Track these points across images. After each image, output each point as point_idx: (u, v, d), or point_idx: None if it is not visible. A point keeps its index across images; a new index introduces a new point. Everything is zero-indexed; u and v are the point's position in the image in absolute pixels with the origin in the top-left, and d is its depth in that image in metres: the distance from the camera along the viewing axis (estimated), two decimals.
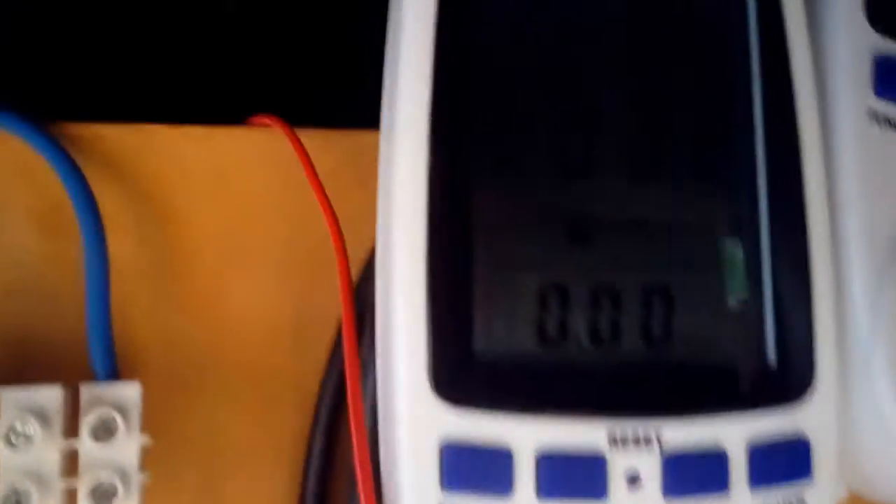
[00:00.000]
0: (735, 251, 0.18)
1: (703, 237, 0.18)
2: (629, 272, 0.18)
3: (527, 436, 0.16)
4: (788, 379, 0.18)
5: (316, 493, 0.24)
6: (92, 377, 0.23)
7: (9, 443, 0.21)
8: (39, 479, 0.21)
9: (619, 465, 0.17)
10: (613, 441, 0.17)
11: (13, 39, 0.30)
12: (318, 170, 0.25)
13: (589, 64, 0.18)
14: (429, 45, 0.17)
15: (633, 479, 0.17)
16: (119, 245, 0.25)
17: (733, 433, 0.17)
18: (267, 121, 0.27)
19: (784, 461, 0.17)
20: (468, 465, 0.16)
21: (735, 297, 0.18)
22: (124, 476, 0.21)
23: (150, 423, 0.23)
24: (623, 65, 0.18)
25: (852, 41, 0.19)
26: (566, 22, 0.18)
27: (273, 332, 0.26)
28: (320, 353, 0.26)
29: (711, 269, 0.18)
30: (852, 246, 0.18)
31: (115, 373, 0.23)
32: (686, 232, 0.18)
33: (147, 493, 0.22)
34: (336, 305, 0.25)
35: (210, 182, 0.26)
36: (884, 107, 0.19)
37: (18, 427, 0.21)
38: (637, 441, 0.17)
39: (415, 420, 0.16)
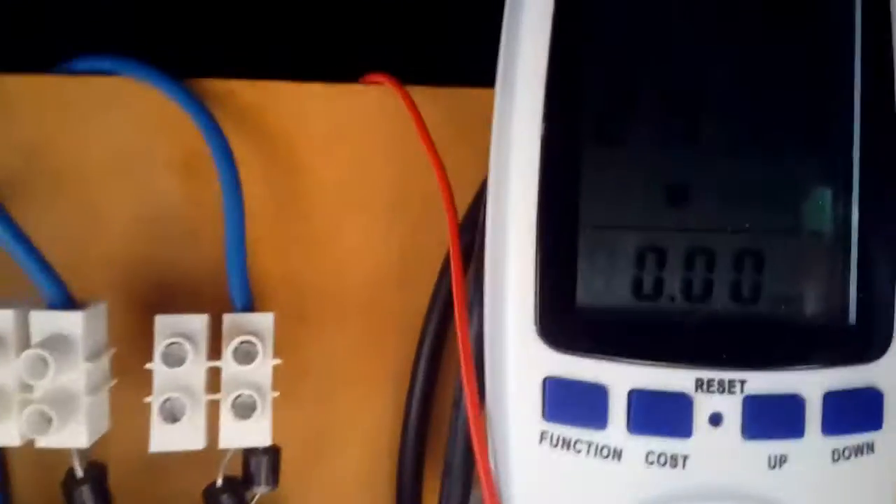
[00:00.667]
0: (824, 218, 0.19)
1: (794, 203, 0.19)
2: (723, 234, 0.19)
3: (621, 377, 0.18)
4: (867, 338, 0.19)
5: (419, 413, 0.27)
6: (230, 307, 0.26)
7: (165, 361, 0.24)
8: (190, 393, 0.24)
9: (703, 406, 0.18)
10: (700, 385, 0.18)
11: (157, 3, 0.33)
12: (426, 123, 0.27)
13: (697, 45, 0.19)
14: (549, 16, 0.19)
15: (716, 420, 0.19)
16: (250, 190, 0.27)
17: (811, 384, 0.19)
18: (380, 78, 0.29)
19: (857, 411, 0.19)
20: (568, 399, 0.18)
21: (822, 260, 0.19)
22: (261, 393, 0.25)
23: (280, 347, 0.26)
24: (726, 44, 0.19)
25: None
26: (679, 8, 0.19)
27: (382, 270, 0.29)
28: (424, 290, 0.28)
29: (801, 235, 0.19)
30: None
31: (250, 304, 0.26)
32: (778, 198, 0.19)
33: (274, 405, 0.26)
34: (438, 249, 0.27)
35: (328, 134, 0.29)
36: None
37: (172, 348, 0.24)
38: (722, 387, 0.18)
39: (522, 359, 0.19)
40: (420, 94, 0.28)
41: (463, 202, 0.26)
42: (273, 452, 0.26)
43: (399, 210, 0.29)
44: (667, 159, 0.19)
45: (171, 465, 0.26)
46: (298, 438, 0.28)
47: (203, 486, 0.26)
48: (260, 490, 0.26)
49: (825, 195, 0.19)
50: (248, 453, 0.26)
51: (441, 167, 0.26)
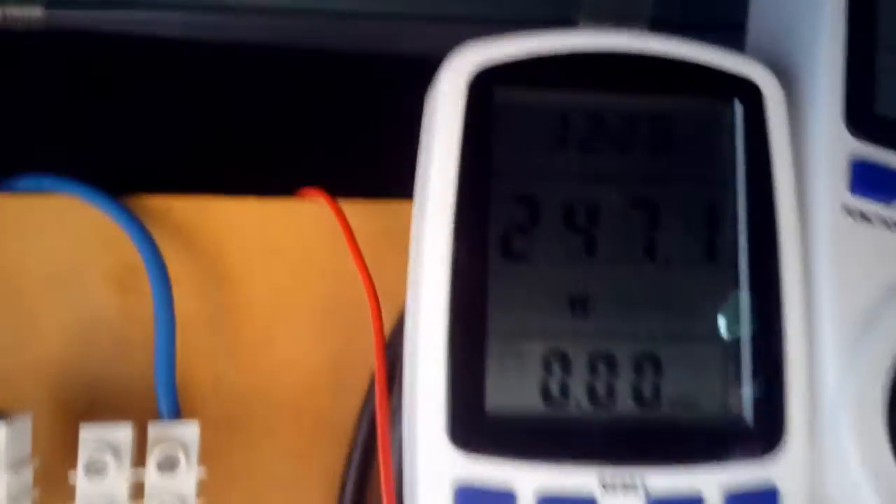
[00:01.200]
0: (717, 324, 0.21)
1: (688, 311, 0.21)
2: (622, 341, 0.21)
3: (528, 479, 0.19)
4: (762, 435, 0.20)
5: None
6: (157, 416, 0.26)
7: (88, 472, 0.24)
8: (111, 502, 0.24)
9: None
10: (604, 486, 0.19)
11: (92, 120, 0.34)
12: (359, 236, 0.28)
13: (594, 168, 0.21)
14: (457, 142, 0.21)
15: None
16: (183, 302, 0.28)
17: (711, 481, 0.20)
18: (313, 193, 0.30)
19: None
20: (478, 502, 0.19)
21: (716, 363, 0.21)
22: (184, 503, 0.25)
23: (202, 455, 0.26)
24: (622, 167, 0.21)
25: (832, 145, 0.22)
26: (574, 139, 0.21)
27: (313, 379, 0.30)
28: (355, 398, 0.29)
29: (696, 340, 0.21)
30: (825, 320, 0.21)
31: (177, 413, 0.26)
32: (673, 307, 0.21)
33: None
34: (369, 356, 0.28)
35: (262, 247, 0.30)
36: (858, 203, 0.22)
37: (95, 459, 0.24)
38: (625, 486, 0.19)
39: (433, 464, 0.19)
40: (353, 207, 0.29)
41: (393, 311, 0.27)
42: None
43: (331, 320, 0.30)
44: (567, 273, 0.21)
45: None
46: None
47: None
48: None
49: (716, 304, 0.21)
50: None
51: (369, 279, 0.27)
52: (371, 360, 0.28)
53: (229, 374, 0.29)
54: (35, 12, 0.29)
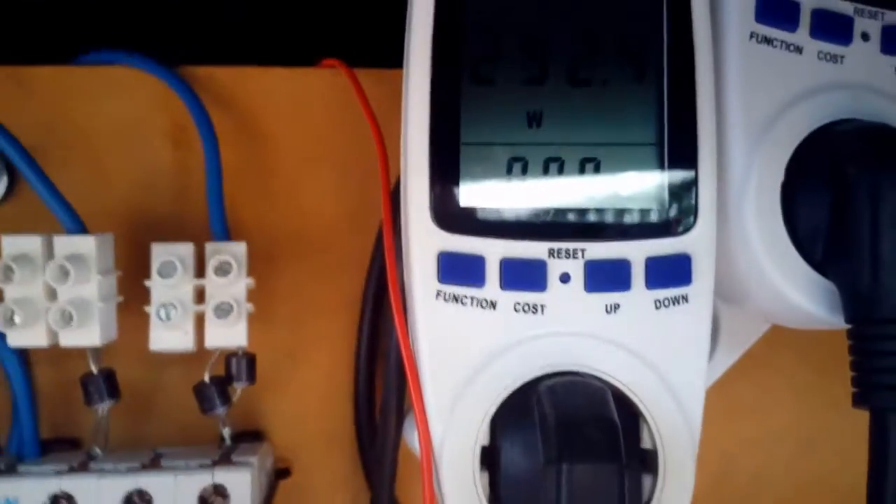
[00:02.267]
0: (645, 131, 0.26)
1: (623, 123, 0.26)
2: (570, 148, 0.26)
3: (494, 249, 0.25)
4: (678, 218, 0.26)
5: (370, 328, 0.34)
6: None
7: (160, 276, 0.31)
8: (181, 303, 0.31)
9: (555, 268, 0.25)
10: (552, 253, 0.25)
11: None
12: (372, 100, 0.34)
13: (546, 15, 0.26)
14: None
15: (565, 278, 0.25)
16: (227, 155, 0.34)
17: (636, 251, 0.25)
18: (333, 62, 0.36)
19: (672, 270, 0.25)
20: (456, 265, 0.25)
21: (644, 165, 0.26)
22: (237, 302, 0.31)
23: (253, 275, 0.32)
24: (569, 13, 0.26)
25: None
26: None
27: (336, 221, 0.36)
28: (371, 236, 0.35)
29: (628, 146, 0.26)
30: (735, 125, 0.26)
31: (228, 236, 0.33)
32: (610, 120, 0.26)
33: (251, 324, 0.32)
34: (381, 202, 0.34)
35: (291, 109, 0.36)
36: (763, 30, 0.26)
37: (166, 267, 0.31)
38: (568, 252, 0.25)
39: (422, 240, 0.25)
40: (367, 75, 0.35)
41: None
42: (249, 355, 0.32)
43: (350, 171, 0.36)
44: (524, 94, 0.26)
45: (167, 367, 0.33)
46: (273, 350, 0.34)
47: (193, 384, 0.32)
48: (240, 385, 0.32)
49: (643, 116, 0.26)
50: (229, 357, 0.32)
51: (380, 137, 0.32)
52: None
53: (267, 215, 0.35)
54: None
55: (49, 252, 0.30)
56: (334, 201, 0.36)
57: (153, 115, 0.35)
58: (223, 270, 0.31)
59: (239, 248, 0.32)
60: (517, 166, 0.26)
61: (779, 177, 0.26)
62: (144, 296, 0.31)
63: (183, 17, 0.40)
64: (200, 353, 0.31)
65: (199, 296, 0.31)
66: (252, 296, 0.32)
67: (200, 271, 0.31)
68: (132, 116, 0.35)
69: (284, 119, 0.36)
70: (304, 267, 0.35)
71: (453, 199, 0.25)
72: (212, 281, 0.31)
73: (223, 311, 0.31)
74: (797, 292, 0.26)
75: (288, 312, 0.35)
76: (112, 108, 0.35)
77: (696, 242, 0.26)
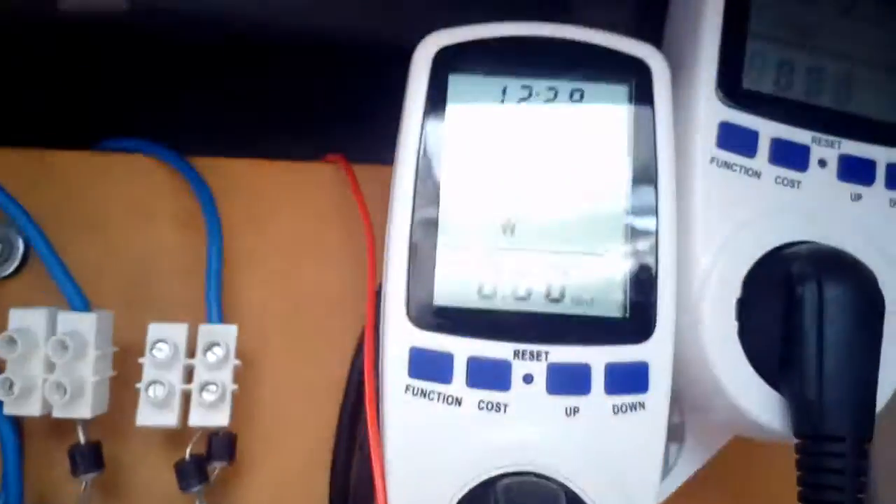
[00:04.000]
0: (610, 244, 0.28)
1: (590, 235, 0.28)
2: (540, 254, 0.28)
3: (462, 348, 0.26)
4: (637, 327, 0.27)
5: (350, 413, 0.35)
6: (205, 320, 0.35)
7: (153, 355, 0.32)
8: (170, 383, 0.32)
9: (519, 369, 0.26)
10: (517, 354, 0.26)
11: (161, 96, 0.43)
12: (373, 195, 0.36)
13: (523, 126, 0.28)
14: (421, 103, 0.28)
15: (528, 379, 0.26)
16: (230, 239, 0.36)
17: (597, 357, 0.27)
18: (336, 158, 0.38)
19: (630, 378, 0.26)
20: (426, 361, 0.26)
21: (608, 273, 0.28)
22: (223, 386, 0.32)
23: (240, 356, 0.34)
24: (545, 125, 0.28)
25: (705, 110, 0.28)
26: (510, 101, 0.28)
27: (328, 305, 0.37)
28: (360, 320, 0.36)
29: (594, 255, 0.28)
30: (696, 242, 0.28)
31: (221, 319, 0.34)
32: (578, 231, 0.28)
33: (235, 402, 0.33)
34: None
35: (293, 198, 0.38)
36: (724, 155, 0.28)
37: (159, 349, 0.32)
38: (532, 356, 0.26)
39: (396, 334, 0.27)
40: (369, 171, 0.37)
41: None
42: (230, 435, 0.33)
43: (345, 257, 0.37)
44: (500, 204, 0.28)
45: (151, 441, 0.34)
46: (255, 430, 0.36)
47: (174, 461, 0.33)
48: (220, 464, 0.33)
49: (609, 228, 0.28)
50: (211, 435, 0.33)
51: (371, 233, 0.34)
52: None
53: (262, 298, 0.37)
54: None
55: (52, 326, 0.32)
56: (327, 288, 0.37)
57: (164, 198, 0.37)
58: (213, 353, 0.33)
59: (230, 332, 0.33)
60: (489, 270, 0.27)
61: (735, 292, 0.27)
62: (137, 370, 0.32)
63: (194, 111, 0.43)
64: (184, 428, 0.33)
65: (189, 374, 0.33)
66: (239, 376, 0.33)
67: (193, 350, 0.33)
68: (144, 199, 0.37)
69: (287, 208, 0.38)
70: (293, 350, 0.37)
71: (427, 298, 0.27)
72: (201, 362, 0.33)
73: (210, 392, 0.32)
74: (751, 405, 0.27)
75: (272, 393, 0.36)
76: (126, 191, 0.37)
77: (653, 351, 0.27)
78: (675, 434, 0.31)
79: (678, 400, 0.29)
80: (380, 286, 0.31)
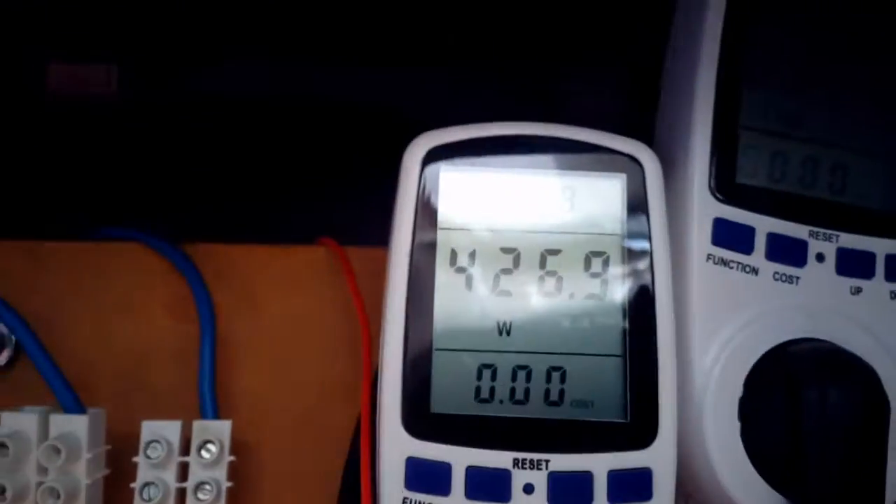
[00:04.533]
0: (608, 347, 0.27)
1: (587, 336, 0.27)
2: (537, 356, 0.27)
3: (460, 457, 0.26)
4: (640, 432, 0.26)
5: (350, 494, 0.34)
6: (200, 416, 0.34)
7: (146, 456, 0.32)
8: (164, 482, 0.32)
9: (519, 479, 0.26)
10: (517, 463, 0.26)
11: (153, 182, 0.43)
12: (360, 276, 0.36)
13: (515, 227, 0.28)
14: (413, 202, 0.28)
15: (529, 489, 0.26)
16: (222, 325, 0.36)
17: (599, 464, 0.26)
18: (326, 241, 0.38)
19: (633, 485, 0.26)
20: (423, 473, 0.26)
21: (608, 375, 0.27)
22: (218, 484, 0.32)
23: (236, 448, 0.33)
24: (536, 224, 0.28)
25: (700, 207, 0.28)
26: (500, 200, 0.28)
27: (323, 392, 0.37)
28: (357, 407, 0.36)
29: (592, 357, 0.27)
30: (694, 342, 0.27)
31: (216, 413, 0.34)
32: (576, 332, 0.27)
33: (230, 496, 0.33)
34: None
35: (287, 283, 0.37)
36: (720, 252, 0.28)
37: (153, 446, 0.32)
38: (532, 464, 0.26)
39: (392, 445, 0.26)
40: (356, 252, 0.37)
41: None
42: None
43: (339, 343, 0.37)
44: (494, 304, 0.27)
45: None
46: None
47: None
48: None
49: (607, 330, 0.27)
50: None
51: (363, 315, 0.34)
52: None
53: (257, 386, 0.37)
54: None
55: (44, 428, 0.31)
56: (322, 375, 0.37)
57: (156, 287, 0.37)
58: (208, 451, 0.32)
59: (224, 428, 0.33)
60: (486, 373, 0.27)
61: (737, 392, 0.27)
62: (131, 465, 0.32)
63: (184, 197, 0.43)
64: None
65: (184, 470, 0.32)
66: (234, 468, 0.33)
67: (187, 444, 0.33)
68: (136, 288, 0.37)
69: (280, 293, 0.37)
70: (289, 438, 0.36)
71: (423, 406, 0.27)
72: (196, 461, 0.32)
73: (205, 492, 0.32)
74: None
75: (268, 484, 0.36)
76: (118, 281, 0.37)
77: (657, 457, 0.26)
78: None
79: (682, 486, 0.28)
80: (375, 373, 0.31)
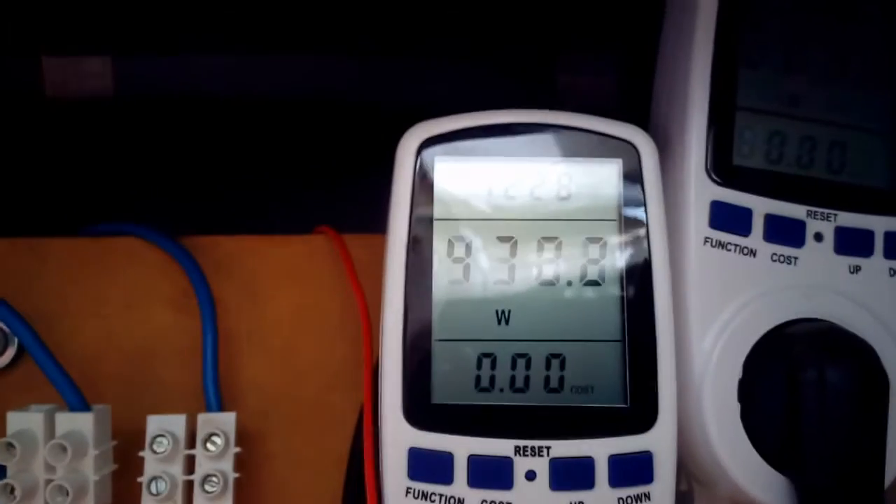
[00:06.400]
0: (608, 331, 0.27)
1: (586, 322, 0.27)
2: (536, 344, 0.27)
3: (462, 446, 0.26)
4: (640, 416, 0.27)
5: (356, 488, 0.34)
6: (205, 408, 0.34)
7: (152, 450, 0.32)
8: (171, 476, 0.32)
9: (521, 466, 0.26)
10: (518, 450, 0.26)
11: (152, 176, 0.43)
12: (362, 263, 0.36)
13: (512, 215, 0.28)
14: (408, 192, 0.28)
15: (531, 476, 0.26)
16: (224, 318, 0.36)
17: (600, 449, 0.26)
18: (324, 229, 0.38)
19: (634, 469, 0.26)
20: (425, 463, 0.26)
21: (607, 361, 0.27)
22: (224, 475, 0.32)
23: (241, 439, 0.34)
24: (535, 212, 0.28)
25: (697, 190, 0.28)
26: (496, 189, 0.28)
27: (327, 379, 0.37)
28: (361, 393, 0.36)
29: (591, 343, 0.27)
30: (692, 325, 0.27)
31: (220, 406, 0.34)
32: (574, 318, 0.27)
33: (238, 486, 0.33)
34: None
35: (287, 273, 0.38)
36: (717, 235, 0.28)
37: (158, 442, 0.32)
38: (534, 451, 0.26)
39: (394, 436, 0.26)
40: (355, 239, 0.37)
41: None
42: None
43: (341, 331, 0.37)
44: (493, 293, 0.27)
45: None
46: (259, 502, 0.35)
47: None
48: None
49: (605, 315, 0.27)
50: None
51: (363, 302, 0.34)
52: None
53: (261, 376, 0.37)
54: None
55: (50, 427, 0.31)
56: (325, 362, 0.37)
57: (157, 281, 0.37)
58: (213, 443, 0.32)
59: (229, 420, 0.33)
60: (486, 362, 0.27)
61: (736, 374, 0.27)
62: (139, 459, 0.32)
63: (184, 189, 0.43)
64: None
65: (190, 463, 0.33)
66: (241, 459, 0.33)
67: (193, 436, 0.33)
68: (137, 283, 0.37)
69: (281, 283, 0.37)
70: (294, 426, 0.37)
71: (424, 397, 0.27)
72: (202, 453, 0.32)
73: (211, 484, 0.32)
74: (754, 487, 0.26)
75: (275, 473, 0.36)
76: (119, 276, 0.37)
77: (657, 440, 0.26)
78: (684, 502, 0.31)
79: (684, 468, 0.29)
80: (376, 363, 0.31)
